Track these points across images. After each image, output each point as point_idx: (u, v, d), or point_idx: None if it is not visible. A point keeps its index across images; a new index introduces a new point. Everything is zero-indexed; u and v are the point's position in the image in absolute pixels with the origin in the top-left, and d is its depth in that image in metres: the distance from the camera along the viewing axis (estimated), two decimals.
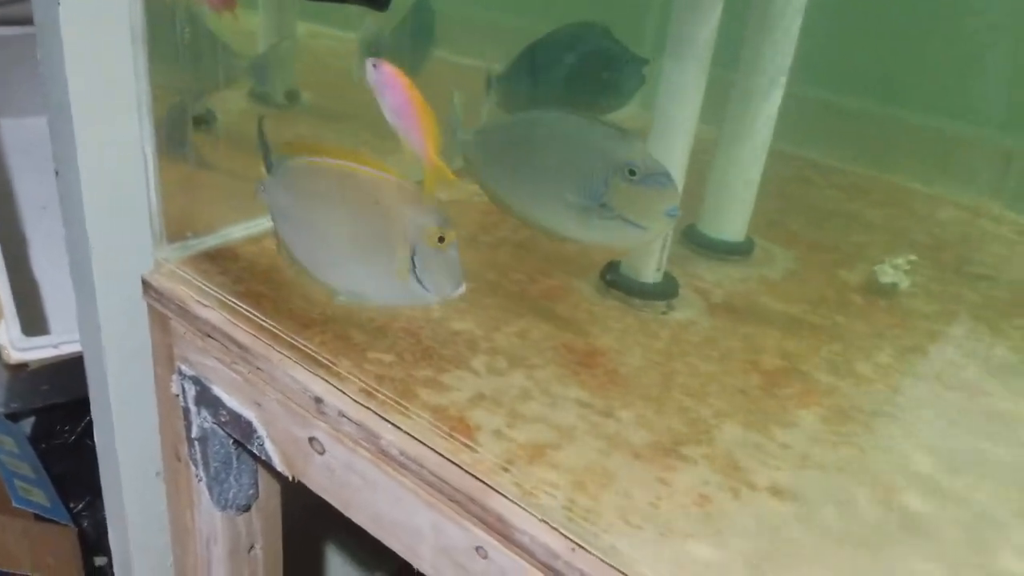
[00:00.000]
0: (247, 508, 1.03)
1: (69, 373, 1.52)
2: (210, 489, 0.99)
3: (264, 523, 1.07)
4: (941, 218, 1.36)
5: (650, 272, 1.00)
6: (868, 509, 0.74)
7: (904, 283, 1.10)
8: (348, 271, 0.82)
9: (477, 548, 0.73)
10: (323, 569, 1.56)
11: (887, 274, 1.10)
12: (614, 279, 1.01)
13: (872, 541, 0.71)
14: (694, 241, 1.14)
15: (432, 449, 0.74)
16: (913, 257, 1.13)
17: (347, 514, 0.83)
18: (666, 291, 1.00)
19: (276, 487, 1.06)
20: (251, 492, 1.01)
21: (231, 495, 1.00)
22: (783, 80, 1.06)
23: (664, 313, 0.99)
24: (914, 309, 1.07)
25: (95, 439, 1.09)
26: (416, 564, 0.79)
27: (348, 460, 0.80)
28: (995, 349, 1.00)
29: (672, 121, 0.93)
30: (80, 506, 1.64)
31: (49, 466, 1.66)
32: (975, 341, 1.02)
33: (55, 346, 1.51)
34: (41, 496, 1.55)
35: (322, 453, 0.82)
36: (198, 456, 0.97)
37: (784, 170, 1.44)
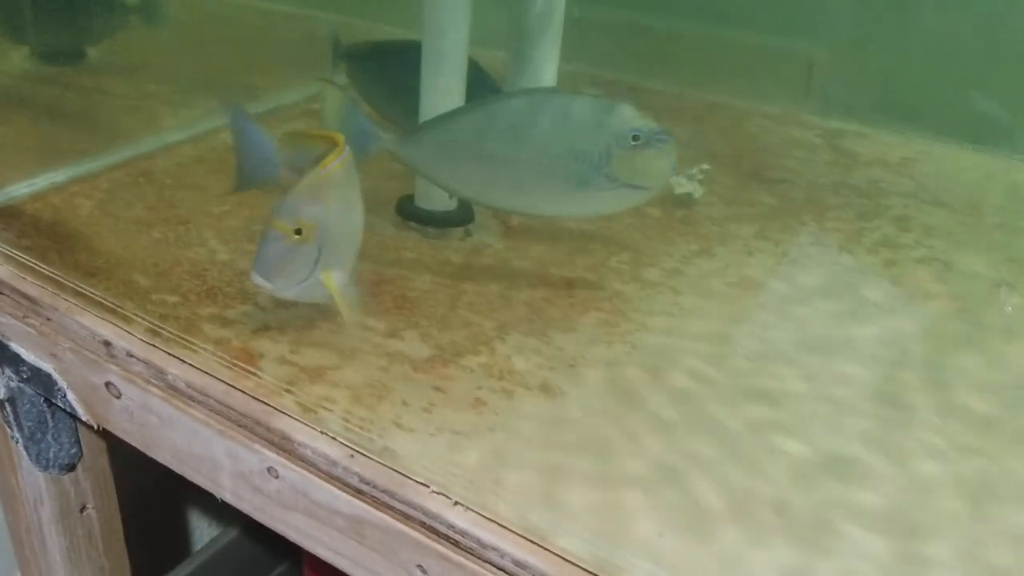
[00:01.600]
0: (72, 467, 1.09)
1: None
2: (27, 450, 1.05)
3: (94, 481, 1.14)
4: (748, 129, 1.47)
5: (443, 200, 1.08)
6: (634, 391, 0.84)
7: (698, 192, 1.20)
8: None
9: (268, 468, 0.81)
10: (174, 525, 1.63)
11: (681, 185, 1.21)
12: (409, 210, 1.09)
13: (630, 414, 0.81)
14: None
15: (217, 378, 0.82)
16: (706, 166, 1.23)
17: (150, 454, 0.90)
18: (461, 218, 1.09)
19: (102, 444, 1.12)
20: (73, 451, 1.08)
21: (51, 455, 1.06)
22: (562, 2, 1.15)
23: (461, 239, 1.08)
24: (708, 216, 1.18)
25: None
26: (219, 495, 0.87)
27: (143, 400, 0.87)
28: (780, 246, 1.12)
29: (441, 44, 1.01)
30: None
31: None
32: (761, 240, 1.13)
33: None
34: None
35: (119, 397, 0.89)
36: (11, 417, 1.02)
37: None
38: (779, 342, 0.92)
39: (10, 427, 1.04)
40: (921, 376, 0.88)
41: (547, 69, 1.18)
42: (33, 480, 1.08)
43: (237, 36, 1.08)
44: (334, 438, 0.77)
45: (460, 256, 1.04)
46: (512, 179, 0.92)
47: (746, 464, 0.76)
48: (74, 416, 1.00)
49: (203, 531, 1.77)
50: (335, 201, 0.83)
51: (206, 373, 0.82)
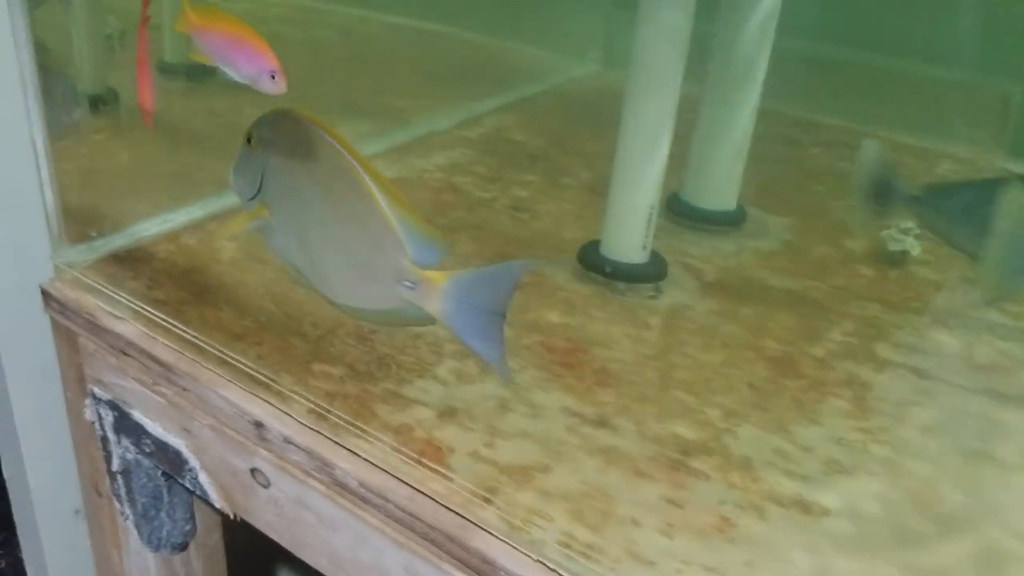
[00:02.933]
0: (184, 546, 0.92)
1: None
2: (138, 528, 0.88)
3: (206, 562, 0.97)
4: (940, 173, 1.28)
5: (635, 251, 0.90)
6: (911, 514, 0.66)
7: (916, 249, 1.02)
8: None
9: None
10: None
11: (896, 240, 1.02)
12: (593, 260, 0.91)
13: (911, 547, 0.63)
14: (678, 211, 1.05)
15: (398, 478, 0.64)
16: None
17: (300, 556, 0.73)
18: (654, 272, 0.91)
19: (217, 519, 0.95)
20: (187, 528, 0.91)
21: (164, 533, 0.89)
22: (773, 28, 0.97)
23: (652, 297, 0.90)
24: (928, 279, 0.99)
25: (2, 472, 0.98)
26: None
27: (298, 494, 0.70)
28: (1021, 320, 0.93)
29: (654, 74, 0.84)
30: None
31: None
32: (1002, 313, 0.94)
33: None
34: None
35: (267, 486, 0.72)
36: (122, 491, 0.86)
37: (765, 128, 1.36)
38: None
39: (120, 502, 0.87)
40: None
41: (745, 112, 1.00)
42: (141, 560, 0.92)
43: (375, 54, 0.94)
44: (554, 570, 0.59)
45: (658, 318, 0.86)
46: None
47: None
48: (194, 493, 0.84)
49: None
50: None
51: (385, 471, 0.65)
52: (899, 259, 1.01)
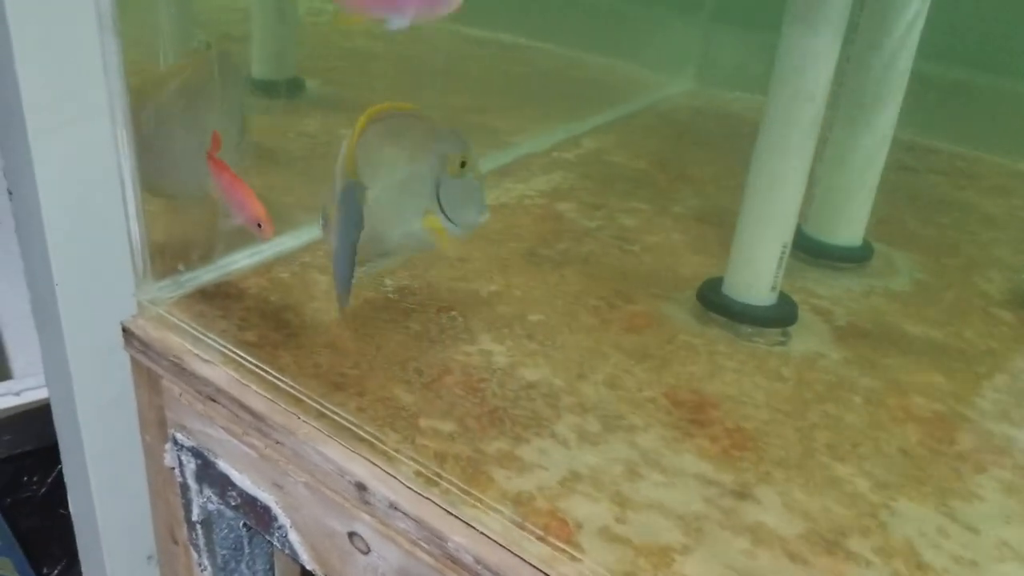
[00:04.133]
0: None
1: (36, 417, 1.34)
2: None
3: None
4: None
5: (763, 292, 0.82)
6: None
7: None
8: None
9: None
10: None
11: None
12: (716, 300, 0.83)
13: None
14: (800, 246, 0.96)
15: (521, 559, 0.57)
16: None
17: None
18: (783, 315, 0.83)
19: (296, 569, 0.89)
20: None
21: None
22: (913, 50, 0.89)
23: (781, 343, 0.82)
24: None
25: (71, 511, 0.92)
26: None
27: (404, 565, 0.62)
28: None
29: (795, 102, 0.76)
30: (55, 572, 1.45)
31: (16, 523, 1.47)
32: None
33: (17, 393, 1.31)
34: (9, 567, 1.36)
35: (366, 552, 0.64)
36: (200, 541, 0.79)
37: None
38: None
39: (198, 552, 0.81)
40: None
41: (877, 140, 0.92)
42: None
43: (466, 71, 0.88)
44: None
45: (791, 369, 0.78)
46: None
47: None
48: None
49: None
50: None
51: (504, 548, 0.57)
52: None
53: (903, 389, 0.77)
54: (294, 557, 0.70)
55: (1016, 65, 1.29)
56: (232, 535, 0.78)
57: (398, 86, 1.17)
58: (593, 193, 1.05)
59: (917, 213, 1.12)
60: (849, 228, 0.96)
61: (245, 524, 0.78)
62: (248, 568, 0.82)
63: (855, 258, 0.96)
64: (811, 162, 0.79)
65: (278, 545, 0.71)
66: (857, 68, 0.90)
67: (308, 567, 0.70)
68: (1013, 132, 1.31)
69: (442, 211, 0.74)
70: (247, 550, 0.80)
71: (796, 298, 0.87)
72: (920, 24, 0.88)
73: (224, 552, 0.79)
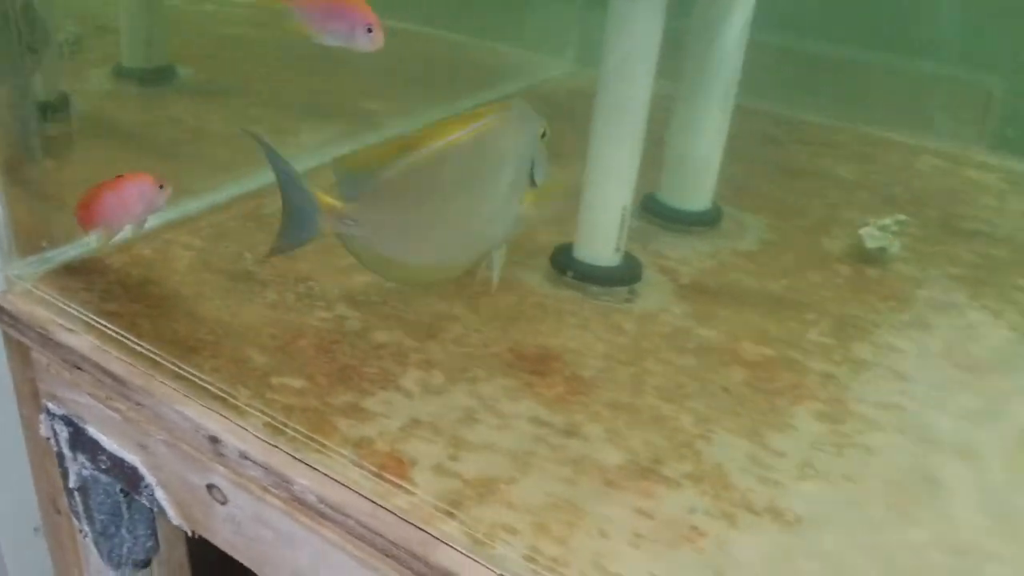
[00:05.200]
0: (146, 563, 0.90)
1: None
2: (98, 545, 0.86)
3: None
4: (921, 170, 1.26)
5: (608, 253, 0.88)
6: (888, 520, 0.64)
7: (894, 247, 1.00)
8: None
9: None
10: None
11: (874, 238, 1.00)
12: (567, 263, 0.89)
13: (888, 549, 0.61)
14: (654, 212, 1.03)
15: (359, 494, 0.62)
16: (902, 217, 1.03)
17: (261, 574, 0.71)
18: (628, 275, 0.89)
19: (181, 535, 0.93)
20: (149, 544, 0.88)
21: (124, 550, 0.87)
22: (748, 23, 0.95)
23: (628, 300, 0.88)
24: (907, 276, 0.97)
25: None
26: None
27: (257, 511, 0.68)
28: (1002, 317, 0.91)
29: (625, 74, 0.82)
30: None
31: None
32: (979, 309, 0.92)
33: None
34: None
35: (224, 503, 0.69)
36: (79, 508, 0.84)
37: (746, 127, 1.34)
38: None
39: (78, 519, 0.85)
40: None
41: (720, 109, 0.98)
42: None
43: (347, 56, 0.91)
44: None
45: (633, 322, 0.84)
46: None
47: None
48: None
49: None
50: None
51: (345, 487, 0.63)
52: (877, 256, 1.00)
53: (735, 336, 0.84)
54: (162, 514, 0.75)
55: (877, 39, 1.38)
56: (109, 500, 0.83)
57: (276, 72, 1.22)
58: None
59: (774, 180, 1.20)
60: (698, 194, 1.03)
61: (122, 490, 0.82)
62: (129, 532, 0.86)
63: (705, 221, 1.03)
64: (643, 130, 0.85)
65: (147, 503, 0.76)
66: (696, 39, 0.97)
67: (175, 523, 0.75)
68: (875, 103, 1.40)
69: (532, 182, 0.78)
70: (126, 515, 0.85)
71: (646, 259, 0.94)
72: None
73: (103, 517, 0.83)
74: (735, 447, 0.70)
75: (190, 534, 0.75)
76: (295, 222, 0.72)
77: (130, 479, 0.75)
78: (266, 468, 0.65)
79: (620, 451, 0.68)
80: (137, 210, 0.78)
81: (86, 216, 0.76)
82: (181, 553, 0.95)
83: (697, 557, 0.60)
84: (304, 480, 0.63)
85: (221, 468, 0.68)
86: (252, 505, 0.67)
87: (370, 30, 0.71)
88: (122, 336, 0.74)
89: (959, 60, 1.33)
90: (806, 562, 0.60)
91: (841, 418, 0.74)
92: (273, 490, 0.65)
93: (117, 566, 0.88)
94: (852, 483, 0.67)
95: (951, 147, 1.32)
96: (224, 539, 0.72)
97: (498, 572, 0.58)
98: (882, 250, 1.00)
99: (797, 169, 1.24)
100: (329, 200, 0.70)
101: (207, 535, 0.73)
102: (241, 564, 0.74)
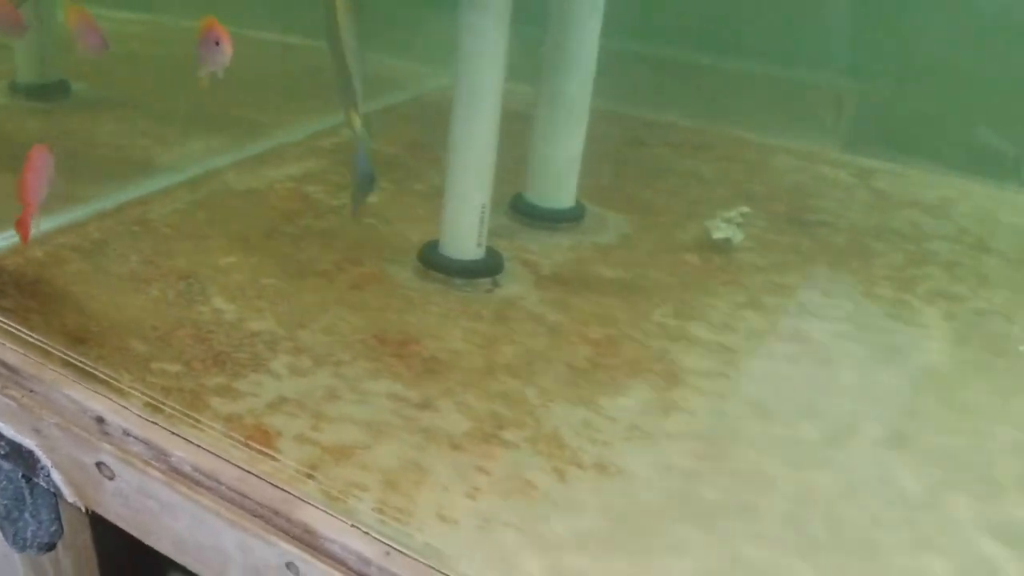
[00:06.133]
0: (51, 546, 0.97)
1: None
2: (2, 529, 0.93)
3: (75, 561, 1.01)
4: (776, 167, 1.38)
5: (470, 248, 0.98)
6: (698, 472, 0.74)
7: (738, 237, 1.11)
8: None
9: (288, 564, 0.69)
10: None
11: (720, 229, 1.11)
12: (433, 258, 0.98)
13: (697, 498, 0.71)
14: (521, 211, 1.13)
15: (228, 462, 0.71)
16: (745, 209, 1.14)
17: (148, 543, 0.79)
18: (489, 267, 0.99)
19: (85, 519, 1.00)
20: (54, 528, 0.95)
21: (29, 534, 0.94)
22: (596, 34, 1.06)
23: (489, 291, 0.97)
24: (749, 263, 1.08)
25: None
26: None
27: (140, 483, 0.75)
28: (833, 298, 1.02)
29: (475, 82, 0.92)
30: None
31: None
32: (811, 290, 1.03)
33: None
34: None
35: (112, 478, 0.77)
36: None
37: (616, 131, 1.45)
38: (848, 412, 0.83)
39: None
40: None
41: (577, 112, 1.08)
42: (8, 562, 0.96)
43: (237, 69, 0.98)
44: (367, 532, 0.66)
45: (491, 310, 0.94)
46: None
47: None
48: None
49: None
50: None
51: (216, 455, 0.71)
52: (723, 246, 1.10)
53: (584, 320, 0.94)
54: (59, 493, 0.83)
55: (741, 47, 1.49)
56: (12, 486, 0.90)
57: (168, 87, 1.30)
58: (343, 176, 1.20)
59: (639, 180, 1.30)
60: (562, 193, 1.13)
61: (24, 475, 0.89)
62: (32, 517, 0.93)
63: (569, 219, 1.13)
64: (496, 133, 0.95)
65: (44, 485, 0.83)
66: (551, 47, 1.06)
67: (70, 500, 0.82)
68: (738, 107, 1.51)
69: None
70: (29, 500, 0.92)
71: (511, 254, 1.03)
72: (598, 6, 1.05)
73: (6, 502, 0.90)
74: (572, 414, 0.79)
75: (84, 511, 0.82)
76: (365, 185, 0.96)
77: (28, 463, 0.83)
78: (146, 443, 0.73)
79: (467, 420, 0.77)
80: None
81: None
82: (86, 536, 1.02)
83: (527, 505, 0.69)
84: (180, 452, 0.72)
85: (108, 446, 0.75)
86: (136, 478, 0.75)
87: (218, 43, 0.79)
88: (15, 329, 0.82)
89: (814, 65, 1.46)
90: (621, 505, 0.70)
91: (670, 387, 0.84)
92: (154, 463, 0.73)
93: (22, 549, 0.95)
94: (672, 440, 0.78)
95: (806, 146, 1.44)
96: (115, 513, 0.80)
97: (350, 523, 0.67)
98: (727, 240, 1.11)
99: (663, 169, 1.35)
100: None
101: (100, 510, 0.81)
102: (146, 547, 0.82)
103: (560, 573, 0.64)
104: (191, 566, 0.77)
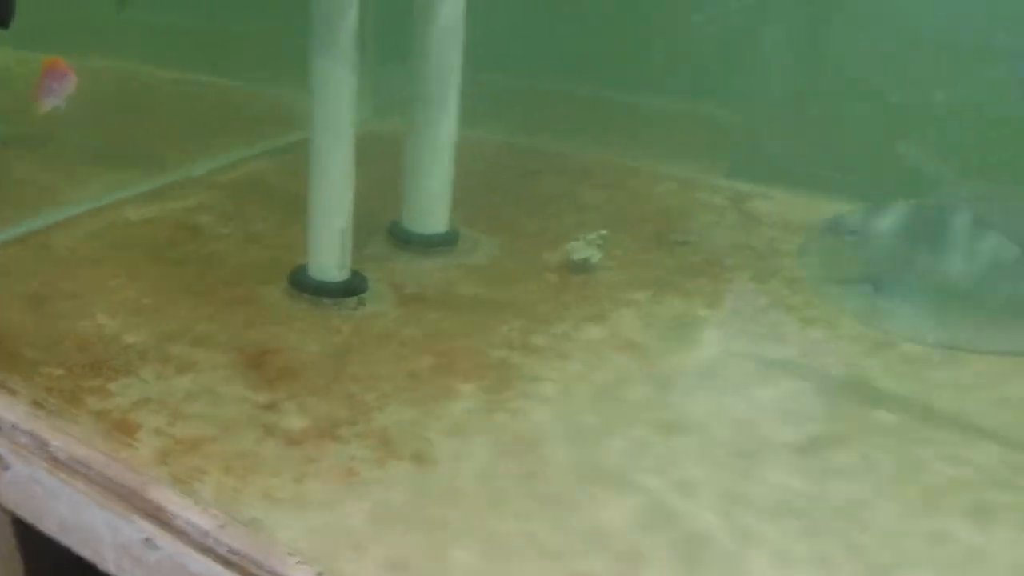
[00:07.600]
0: None
1: None
2: None
3: (2, 569, 1.19)
4: (658, 193, 1.56)
5: (334, 270, 1.16)
6: (506, 464, 0.92)
7: (596, 257, 1.28)
8: None
9: (146, 539, 0.88)
10: None
11: (578, 250, 1.29)
12: (302, 281, 1.17)
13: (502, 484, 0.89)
14: (397, 237, 1.31)
15: (97, 450, 0.90)
16: (604, 231, 1.31)
17: (39, 527, 0.97)
18: (352, 288, 1.17)
19: (7, 520, 1.17)
20: None
21: None
22: (458, 69, 1.24)
23: (355, 309, 1.16)
24: (606, 281, 1.26)
25: None
26: (103, 567, 0.94)
27: (30, 472, 0.94)
28: (672, 309, 1.19)
29: (328, 118, 1.11)
30: None
31: None
32: (655, 304, 1.20)
33: None
34: None
35: (7, 469, 0.96)
36: None
37: (509, 161, 1.63)
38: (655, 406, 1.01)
39: None
40: None
41: (444, 141, 1.27)
42: None
43: (148, 106, 1.14)
44: (206, 509, 0.84)
45: (350, 325, 1.12)
46: None
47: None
48: None
49: None
50: None
51: (84, 444, 0.90)
52: (582, 266, 1.28)
53: (436, 334, 1.12)
54: None
55: (634, 80, 1.68)
56: None
57: (77, 123, 1.48)
58: (236, 207, 1.40)
59: (522, 206, 1.48)
60: (433, 219, 1.31)
61: None
62: None
63: (442, 243, 1.31)
64: (351, 161, 1.13)
65: None
66: (415, 82, 1.25)
67: None
68: (629, 137, 1.70)
69: None
70: None
71: (381, 276, 1.21)
72: (457, 41, 1.23)
73: None
74: (403, 415, 0.97)
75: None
76: None
77: None
78: (31, 435, 0.92)
79: (306, 420, 0.96)
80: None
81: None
82: (9, 534, 1.19)
83: (346, 488, 0.88)
84: (57, 442, 0.91)
85: (2, 440, 0.95)
86: (26, 468, 0.94)
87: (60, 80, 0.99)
88: None
89: (700, 97, 1.65)
90: (429, 486, 0.88)
91: (501, 391, 1.02)
92: (38, 452, 0.92)
93: None
94: (488, 435, 0.95)
95: (690, 173, 1.62)
96: (13, 502, 0.98)
97: (192, 501, 0.85)
98: (585, 260, 1.28)
99: (548, 196, 1.53)
100: None
101: (1, 501, 1.00)
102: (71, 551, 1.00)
103: (361, 541, 0.82)
104: (74, 546, 0.95)
